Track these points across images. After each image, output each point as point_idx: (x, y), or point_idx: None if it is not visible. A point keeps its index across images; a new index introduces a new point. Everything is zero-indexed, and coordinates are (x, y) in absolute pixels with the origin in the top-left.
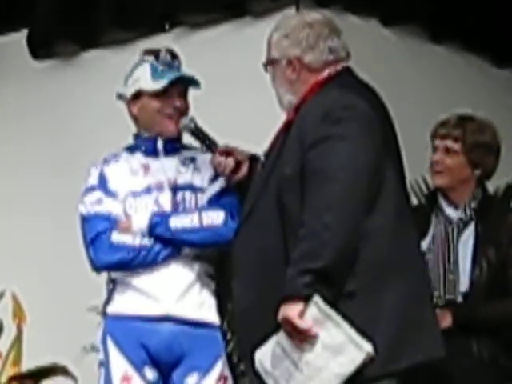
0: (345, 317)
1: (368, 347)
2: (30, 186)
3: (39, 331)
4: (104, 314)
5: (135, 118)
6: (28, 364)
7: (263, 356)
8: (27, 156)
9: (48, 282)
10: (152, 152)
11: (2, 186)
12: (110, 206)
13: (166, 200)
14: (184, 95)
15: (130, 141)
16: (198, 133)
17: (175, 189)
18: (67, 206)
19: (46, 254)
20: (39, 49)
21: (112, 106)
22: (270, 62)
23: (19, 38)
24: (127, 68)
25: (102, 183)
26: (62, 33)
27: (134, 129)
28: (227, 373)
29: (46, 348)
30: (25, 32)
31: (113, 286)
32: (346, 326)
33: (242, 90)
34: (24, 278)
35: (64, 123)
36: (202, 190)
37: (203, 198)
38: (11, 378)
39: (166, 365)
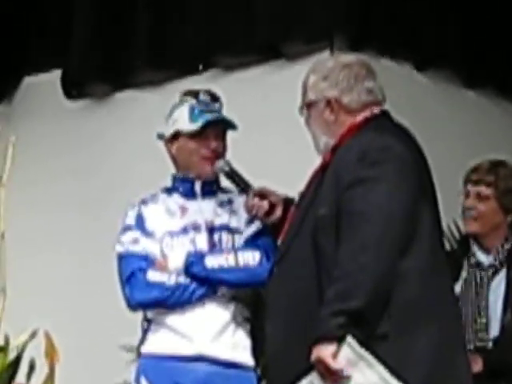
0: (377, 358)
1: None
2: (61, 224)
3: (71, 370)
4: (139, 353)
5: (174, 159)
6: None
7: None
8: (59, 195)
9: (80, 320)
10: (190, 193)
11: (36, 225)
12: (146, 246)
13: (202, 240)
14: (222, 137)
15: (162, 181)
16: (233, 175)
17: (212, 230)
18: (99, 243)
19: (79, 293)
20: (73, 89)
21: (144, 146)
22: (307, 104)
23: (53, 78)
24: (159, 109)
25: (140, 223)
26: (96, 73)
27: (165, 169)
28: None
29: None
30: (59, 72)
31: (147, 325)
32: (379, 366)
33: (276, 133)
34: (56, 317)
35: (96, 163)
36: (238, 231)
37: (240, 240)
38: None
39: None
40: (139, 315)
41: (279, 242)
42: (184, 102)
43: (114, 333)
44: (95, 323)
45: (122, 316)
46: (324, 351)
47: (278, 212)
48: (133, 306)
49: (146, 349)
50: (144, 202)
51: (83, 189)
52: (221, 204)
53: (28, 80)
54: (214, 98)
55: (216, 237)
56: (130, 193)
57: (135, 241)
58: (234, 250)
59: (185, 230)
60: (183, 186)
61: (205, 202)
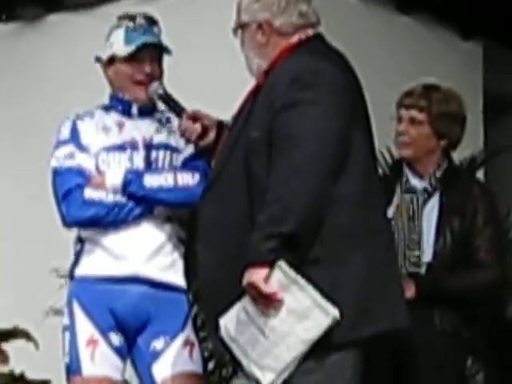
0: (310, 282)
1: (334, 311)
2: None
3: (1, 294)
4: (71, 276)
5: (110, 82)
6: None
7: (228, 322)
8: None
9: (10, 243)
10: (127, 113)
11: None
12: (82, 161)
13: (140, 158)
14: (157, 61)
15: (96, 102)
16: (166, 98)
17: (150, 147)
18: (30, 165)
19: (8, 212)
20: (3, 11)
21: (75, 69)
22: (240, 26)
23: None
24: (92, 31)
25: (75, 137)
26: None
27: (97, 93)
28: (193, 338)
29: (7, 311)
30: None
31: (80, 246)
32: (311, 290)
33: (209, 56)
34: None
35: (28, 87)
36: (177, 150)
37: (178, 159)
38: None
39: (131, 329)
40: (72, 237)
41: (212, 165)
42: (120, 25)
43: (46, 256)
44: (26, 245)
45: (54, 238)
46: (256, 275)
47: (211, 135)
48: (69, 223)
49: (79, 271)
50: (79, 116)
51: (14, 113)
52: (159, 122)
53: None
54: (152, 22)
55: (153, 155)
56: (64, 114)
57: (70, 155)
58: (174, 169)
59: (122, 147)
60: (121, 105)
61: (142, 120)
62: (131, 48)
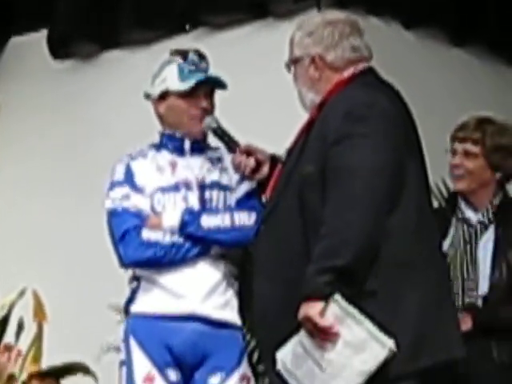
0: (366, 314)
1: (390, 343)
2: (48, 181)
3: (59, 329)
4: (126, 312)
5: (161, 117)
6: (48, 362)
7: (285, 356)
8: (46, 154)
9: (69, 279)
10: (178, 150)
11: (23, 183)
12: (137, 201)
13: (194, 198)
14: (210, 96)
15: (148, 138)
16: (220, 132)
17: (203, 187)
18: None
19: (67, 250)
20: (59, 49)
21: (130, 104)
22: (293, 61)
23: (39, 38)
24: (146, 68)
25: (129, 178)
26: (82, 32)
27: (151, 126)
28: (249, 373)
29: (66, 346)
30: (45, 32)
31: (137, 284)
32: (367, 322)
33: (263, 91)
34: (44, 275)
35: (82, 123)
36: (229, 188)
37: (231, 198)
38: (31, 376)
39: (188, 365)
40: (129, 274)
41: (265, 199)
42: (173, 61)
43: (104, 292)
44: (84, 282)
45: (112, 275)
46: (311, 309)
47: (265, 169)
48: (126, 264)
49: (135, 308)
50: (132, 157)
51: (69, 146)
52: (210, 161)
53: (14, 40)
54: (202, 58)
55: (207, 194)
56: (115, 149)
57: (126, 196)
58: (230, 210)
59: (176, 187)
60: (172, 142)
61: (194, 158)
62: (189, 83)
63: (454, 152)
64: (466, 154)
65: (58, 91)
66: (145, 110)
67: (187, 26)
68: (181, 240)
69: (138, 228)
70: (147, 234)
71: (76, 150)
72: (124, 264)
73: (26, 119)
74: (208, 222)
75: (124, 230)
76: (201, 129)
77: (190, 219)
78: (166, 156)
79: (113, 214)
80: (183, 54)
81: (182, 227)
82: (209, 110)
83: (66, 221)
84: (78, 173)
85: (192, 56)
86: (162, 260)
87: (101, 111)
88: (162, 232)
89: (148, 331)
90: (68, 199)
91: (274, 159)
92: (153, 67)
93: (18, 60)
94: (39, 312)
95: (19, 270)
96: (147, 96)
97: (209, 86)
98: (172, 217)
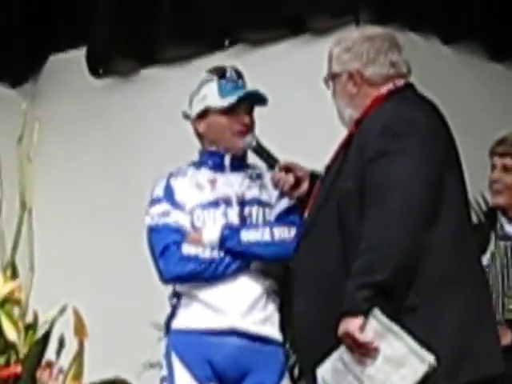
0: (405, 330)
1: (430, 358)
2: (89, 200)
3: (100, 346)
4: (167, 328)
5: (201, 136)
6: (89, 379)
7: (325, 372)
8: (85, 172)
9: (110, 296)
10: (218, 167)
11: (62, 201)
12: (177, 218)
13: (234, 214)
14: (250, 113)
15: (188, 156)
16: (260, 150)
17: (243, 203)
18: (127, 217)
19: (107, 268)
20: (98, 66)
21: (169, 122)
22: (331, 77)
23: (78, 56)
24: (185, 85)
25: (169, 195)
26: (121, 50)
27: (190, 144)
28: None
29: (107, 363)
30: (84, 49)
31: (177, 300)
32: (407, 337)
33: (302, 108)
34: (85, 293)
35: (122, 140)
36: (269, 205)
37: (271, 214)
38: None
39: (229, 380)
40: (169, 291)
41: (305, 216)
42: (211, 78)
43: (144, 309)
44: (124, 299)
45: (152, 292)
46: (351, 325)
47: (304, 186)
48: (167, 279)
49: (176, 324)
50: (172, 174)
51: (109, 164)
52: (250, 178)
53: (53, 58)
54: (240, 75)
55: (247, 210)
56: (155, 168)
57: (166, 213)
58: (270, 224)
59: (216, 203)
60: (212, 159)
61: (234, 175)
62: (231, 99)
63: (493, 167)
64: (505, 168)
65: (97, 109)
66: (183, 128)
67: (226, 43)
68: (221, 255)
69: (178, 243)
70: (187, 249)
71: (115, 168)
72: (165, 279)
73: (65, 136)
74: (248, 236)
75: (164, 245)
76: (243, 145)
77: (229, 234)
78: (205, 173)
79: (153, 230)
80: (221, 71)
81: (222, 242)
82: (250, 126)
83: (107, 241)
84: (117, 191)
85: (230, 73)
86: (203, 275)
87: (140, 128)
88: (201, 247)
89: (189, 346)
90: (108, 218)
91: (313, 176)
92: (191, 84)
93: (58, 77)
94: (80, 328)
95: (60, 289)
96: (186, 116)
97: (249, 102)
98: (212, 232)
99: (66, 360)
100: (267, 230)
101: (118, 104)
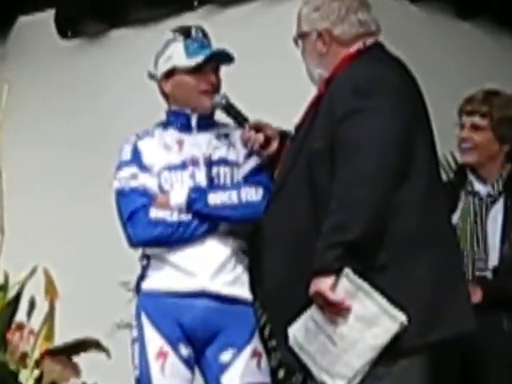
0: (376, 289)
1: (401, 317)
2: (57, 162)
3: (71, 307)
4: (138, 290)
5: (167, 96)
6: (60, 340)
7: (297, 331)
8: (55, 134)
9: (80, 257)
10: (186, 127)
11: (32, 163)
12: (145, 181)
13: (201, 175)
14: (216, 71)
15: (157, 118)
16: (229, 109)
17: (210, 164)
18: (96, 180)
19: (77, 230)
20: (67, 28)
21: (139, 84)
22: (300, 36)
23: (47, 18)
24: (155, 46)
25: (136, 158)
26: (90, 12)
27: (159, 106)
28: (261, 349)
29: (78, 324)
30: (52, 12)
31: (147, 262)
32: (378, 296)
33: (271, 67)
34: (55, 254)
35: (91, 101)
36: (237, 164)
37: (239, 174)
38: (44, 354)
39: (199, 341)
40: (139, 252)
41: (275, 175)
42: (177, 38)
43: (115, 269)
44: (95, 260)
45: (121, 253)
46: (322, 284)
47: (274, 145)
48: (135, 243)
49: (146, 286)
50: (139, 136)
51: (78, 127)
52: (218, 137)
53: (22, 20)
54: (205, 34)
55: (214, 171)
56: (124, 130)
57: (133, 176)
58: (237, 186)
59: (183, 165)
60: (179, 120)
61: (201, 135)
62: (198, 59)
63: (461, 125)
64: (474, 127)
65: (66, 70)
66: (153, 88)
67: (195, 3)
68: (188, 218)
69: (146, 207)
70: (155, 213)
71: (84, 129)
72: (133, 243)
73: (34, 98)
74: (215, 199)
75: (132, 209)
76: (210, 104)
77: (196, 197)
78: (172, 134)
79: (121, 194)
80: (186, 30)
81: (189, 205)
82: (217, 86)
83: (76, 202)
84: (86, 153)
85: (196, 32)
86: (170, 238)
87: (109, 90)
88: (169, 210)
89: (159, 308)
90: (77, 180)
91: (283, 135)
92: (160, 45)
93: (26, 40)
94: (50, 289)
95: (30, 250)
96: (151, 76)
97: (215, 61)
98: (179, 195)
99: (36, 321)
100: (234, 192)
101: (87, 65)
